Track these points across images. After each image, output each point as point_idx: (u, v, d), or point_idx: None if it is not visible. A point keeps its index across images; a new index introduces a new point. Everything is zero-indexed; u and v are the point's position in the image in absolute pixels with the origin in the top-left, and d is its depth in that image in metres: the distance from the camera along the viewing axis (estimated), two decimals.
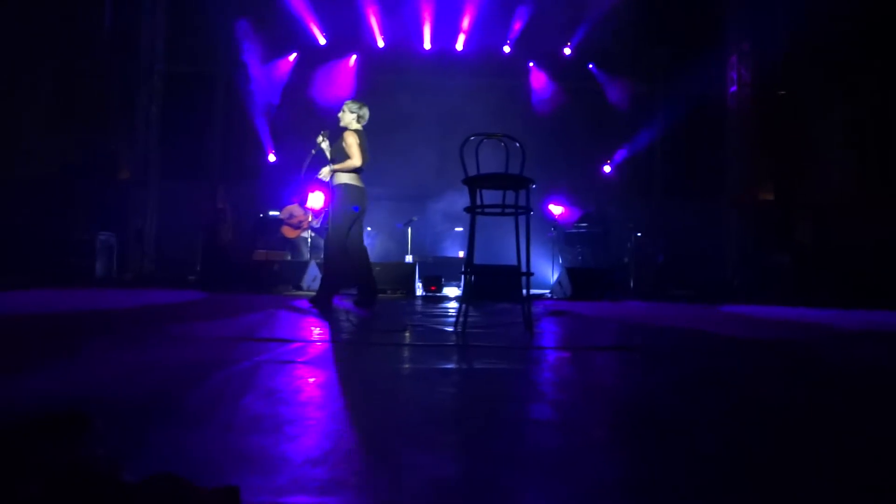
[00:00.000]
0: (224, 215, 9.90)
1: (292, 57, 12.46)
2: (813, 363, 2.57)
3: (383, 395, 1.63)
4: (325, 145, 5.05)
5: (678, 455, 1.18)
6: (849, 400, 1.81)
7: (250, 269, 9.12)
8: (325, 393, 1.65)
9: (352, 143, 4.83)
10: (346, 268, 4.95)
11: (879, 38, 11.65)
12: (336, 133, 5.05)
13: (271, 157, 11.88)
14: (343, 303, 5.61)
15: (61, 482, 0.70)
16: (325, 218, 9.68)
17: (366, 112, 5.07)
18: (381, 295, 7.21)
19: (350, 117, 5.00)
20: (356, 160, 4.79)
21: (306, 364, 2.13)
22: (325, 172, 4.87)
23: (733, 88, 11.84)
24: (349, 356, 2.33)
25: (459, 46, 12.31)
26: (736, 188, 11.74)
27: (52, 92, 11.01)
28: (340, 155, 4.87)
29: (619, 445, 1.26)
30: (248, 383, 1.74)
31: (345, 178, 4.87)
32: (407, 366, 2.16)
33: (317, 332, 3.21)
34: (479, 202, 3.45)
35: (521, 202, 3.40)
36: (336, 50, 12.50)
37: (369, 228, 11.22)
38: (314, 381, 1.78)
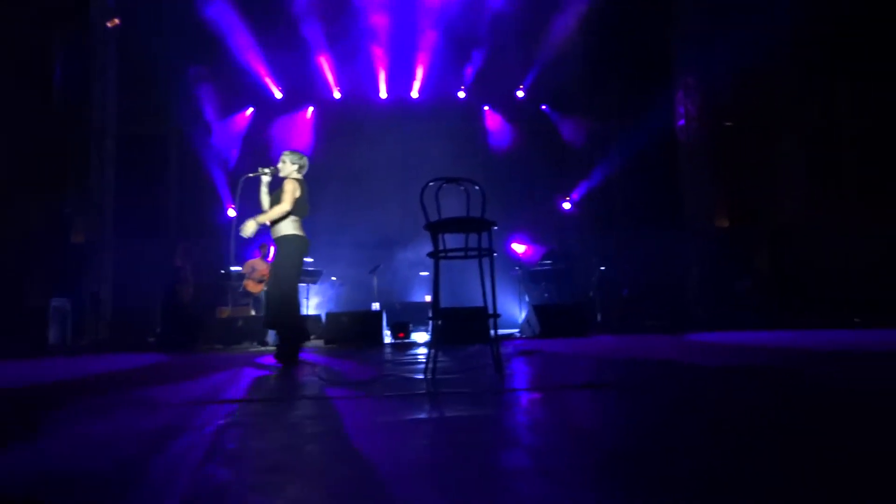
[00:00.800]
0: (184, 273, 9.67)
1: (249, 111, 12.50)
2: (781, 386, 2.59)
3: (354, 453, 1.57)
4: (265, 179, 4.92)
5: (661, 492, 1.16)
6: (821, 419, 1.81)
7: (213, 328, 8.91)
8: (292, 455, 1.58)
9: (289, 189, 4.77)
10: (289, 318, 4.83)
11: (819, 67, 12.28)
12: (275, 183, 5.00)
13: (231, 212, 11.76)
14: (309, 356, 5.49)
15: None
16: None
17: (305, 162, 5.05)
18: (350, 345, 7.10)
19: (291, 168, 4.95)
20: (286, 206, 4.71)
21: (272, 424, 2.05)
22: (249, 227, 4.67)
23: (682, 122, 12.26)
24: (316, 413, 2.26)
25: (415, 94, 12.53)
26: (693, 218, 12.04)
27: (2, 158, 10.77)
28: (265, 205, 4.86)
29: (599, 490, 1.23)
30: (212, 449, 1.66)
31: (290, 229, 4.79)
32: (378, 419, 2.10)
33: (282, 389, 3.11)
34: (442, 246, 3.45)
35: (484, 244, 3.41)
36: (292, 102, 12.60)
37: (334, 278, 11.13)
38: (280, 443, 1.71)
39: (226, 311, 10.00)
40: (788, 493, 1.14)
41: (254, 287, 9.41)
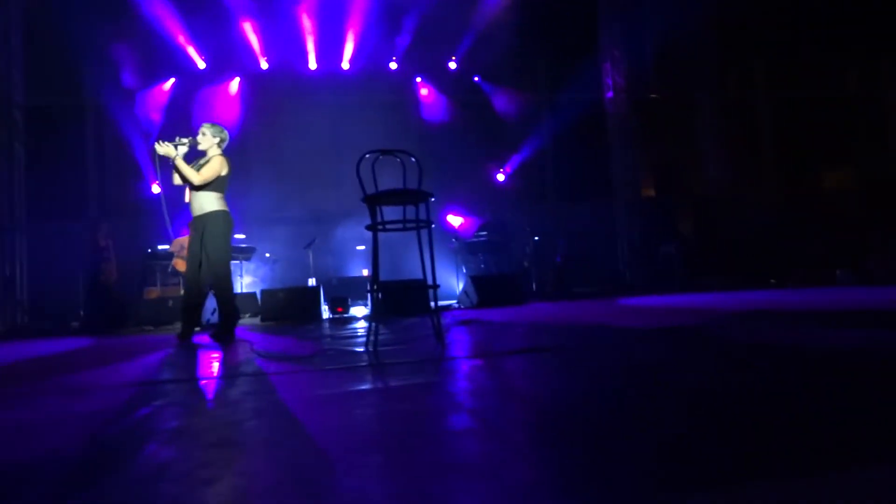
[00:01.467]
0: (107, 254, 9.25)
1: (170, 83, 11.93)
2: (706, 343, 2.75)
3: (300, 426, 1.58)
4: (182, 150, 4.67)
5: (598, 449, 1.22)
6: (737, 372, 1.95)
7: (142, 309, 8.58)
8: (237, 431, 1.57)
9: (214, 167, 4.63)
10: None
11: (740, 39, 12.78)
12: (191, 155, 4.80)
13: (155, 189, 11.27)
14: (246, 334, 5.40)
15: None
16: None
17: (226, 136, 4.88)
18: (287, 322, 7.01)
19: (212, 140, 4.78)
20: (198, 177, 4.57)
21: (212, 403, 2.02)
22: (166, 149, 4.58)
23: (610, 94, 12.54)
24: (258, 389, 2.24)
25: (346, 65, 12.28)
26: (622, 187, 12.41)
27: None
28: (190, 177, 4.65)
29: (538, 446, 1.28)
30: (152, 429, 1.63)
31: (217, 205, 4.67)
32: (321, 392, 2.10)
33: (220, 367, 3.06)
34: (380, 218, 3.44)
35: (422, 216, 3.42)
36: (217, 73, 12.10)
37: (268, 254, 10.90)
38: (223, 420, 1.70)
39: (154, 292, 9.65)
40: (676, 438, 1.23)
41: (183, 266, 9.09)
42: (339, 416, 1.67)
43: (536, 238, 10.88)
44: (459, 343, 3.42)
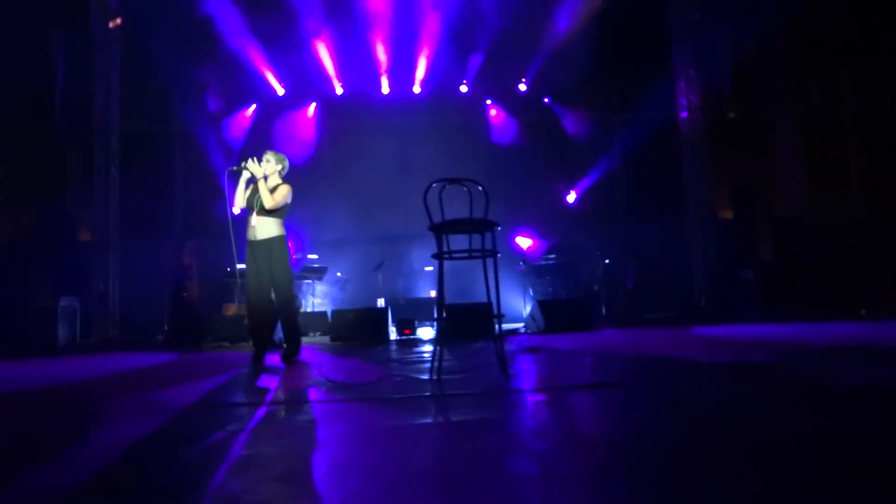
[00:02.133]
0: (190, 272, 9.74)
1: (251, 109, 12.51)
2: (790, 385, 2.61)
3: (362, 461, 1.61)
4: (246, 175, 4.82)
5: (664, 499, 1.18)
6: (832, 419, 1.84)
7: (220, 325, 8.96)
8: (301, 464, 1.61)
9: (284, 193, 4.82)
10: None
11: (820, 48, 12.22)
12: (253, 179, 4.95)
13: (236, 210, 11.79)
14: (315, 354, 5.54)
15: None
16: (295, 266, 9.63)
17: (287, 164, 5.06)
18: (356, 342, 7.14)
19: (275, 168, 4.93)
20: (269, 205, 4.75)
21: (281, 430, 2.09)
22: (251, 169, 4.77)
23: (684, 114, 12.22)
24: (323, 418, 2.29)
25: (417, 89, 12.51)
26: (697, 209, 12.02)
27: (8, 161, 10.85)
28: (263, 202, 4.80)
29: (601, 499, 1.25)
30: (223, 457, 1.70)
31: (281, 231, 4.88)
32: (384, 424, 2.13)
33: (288, 392, 3.15)
34: (446, 246, 3.47)
35: (488, 245, 3.43)
36: (295, 99, 12.59)
37: (339, 274, 11.18)
38: (289, 451, 1.75)
39: (232, 308, 10.05)
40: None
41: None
42: (400, 454, 1.68)
43: (607, 261, 10.67)
44: (524, 374, 3.39)
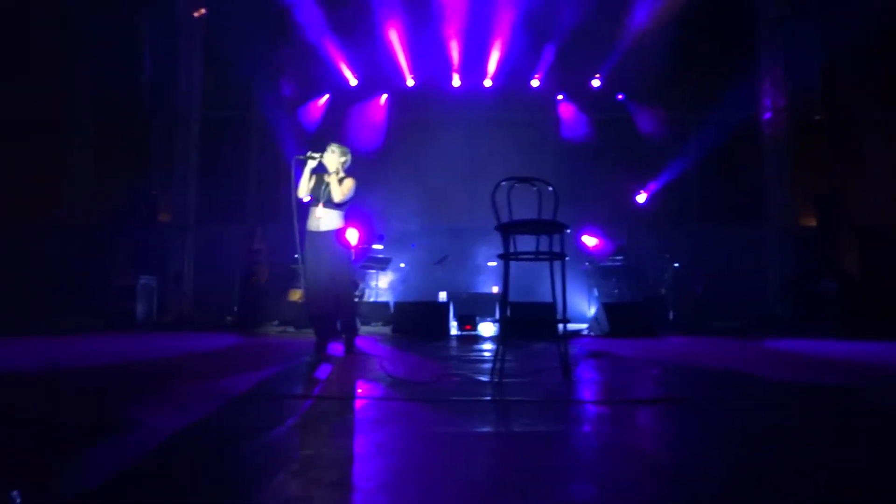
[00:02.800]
0: (260, 256, 10.02)
1: (325, 98, 12.72)
2: (869, 413, 2.42)
3: (416, 471, 1.57)
4: (311, 164, 4.84)
5: None
6: None
7: (286, 309, 9.20)
8: (355, 469, 1.59)
9: (350, 187, 4.88)
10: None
11: None
12: (323, 169, 4.98)
13: (305, 198, 12.05)
14: (376, 346, 5.58)
15: None
16: (360, 255, 9.76)
17: (350, 158, 5.06)
18: (416, 336, 7.16)
19: (340, 160, 4.95)
20: (338, 198, 4.81)
21: (338, 429, 2.08)
22: (312, 161, 4.83)
23: (767, 115, 11.64)
24: (382, 419, 2.27)
25: (488, 83, 12.41)
26: (777, 214, 11.45)
27: (95, 142, 11.44)
28: (331, 195, 4.84)
29: None
30: (280, 456, 1.71)
31: (343, 222, 4.93)
32: (441, 429, 2.09)
33: (348, 386, 3.17)
34: (513, 246, 3.40)
35: (556, 247, 3.34)
36: (367, 90, 12.72)
37: (403, 265, 11.27)
38: (344, 454, 1.73)
39: (296, 294, 10.29)
40: None
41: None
42: (456, 465, 1.64)
43: (676, 265, 10.30)
44: (588, 382, 3.29)
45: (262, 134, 12.73)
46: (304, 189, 4.89)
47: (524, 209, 3.42)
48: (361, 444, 1.85)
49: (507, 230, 3.32)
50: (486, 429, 2.08)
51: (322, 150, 4.97)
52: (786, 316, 10.47)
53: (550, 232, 3.36)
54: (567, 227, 3.28)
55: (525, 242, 3.53)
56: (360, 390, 2.95)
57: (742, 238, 11.69)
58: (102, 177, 11.40)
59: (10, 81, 10.93)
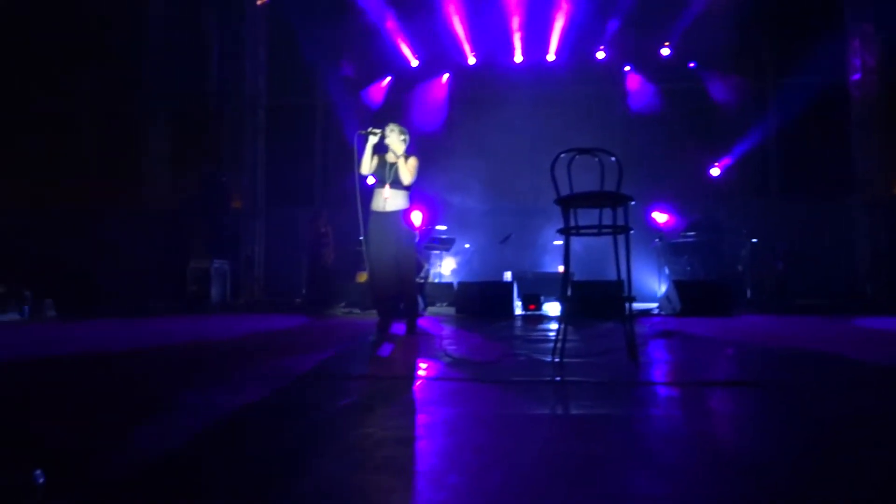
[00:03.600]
0: (326, 240, 10.18)
1: (387, 80, 12.71)
2: None
3: (468, 455, 1.49)
4: (373, 140, 4.76)
5: None
6: None
7: (352, 292, 9.30)
8: (405, 452, 1.52)
9: (415, 166, 4.84)
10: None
11: None
12: (384, 148, 4.92)
13: (370, 180, 12.13)
14: (439, 326, 5.54)
15: None
16: (424, 236, 9.74)
17: (409, 137, 4.99)
18: (480, 316, 7.08)
19: (399, 138, 4.89)
20: (408, 180, 4.79)
21: (391, 409, 2.02)
22: (374, 136, 4.76)
23: (856, 76, 10.80)
24: (437, 399, 2.20)
25: (551, 56, 12.07)
26: (866, 185, 10.66)
27: (170, 132, 11.88)
28: (400, 176, 4.80)
29: None
30: (329, 435, 1.66)
31: (409, 203, 4.89)
32: (497, 411, 2.00)
33: (406, 367, 3.12)
34: (574, 221, 3.25)
35: (620, 220, 3.16)
36: (428, 70, 12.63)
37: (467, 245, 11.19)
38: (395, 435, 1.67)
39: (363, 276, 10.40)
40: None
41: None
42: (510, 450, 1.54)
43: (754, 240, 9.76)
44: (656, 363, 3.11)
45: (326, 118, 12.88)
46: (366, 166, 4.84)
47: (587, 184, 3.25)
48: (413, 427, 1.78)
49: (567, 204, 3.16)
50: (544, 412, 1.98)
51: (382, 127, 4.93)
52: (876, 293, 9.76)
53: (614, 205, 3.19)
54: (631, 199, 3.09)
55: (589, 219, 3.36)
56: (419, 370, 2.90)
57: (828, 211, 10.97)
58: (178, 165, 11.84)
59: (91, 76, 11.48)
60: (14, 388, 2.54)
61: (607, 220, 3.22)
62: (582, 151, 3.32)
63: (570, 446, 1.56)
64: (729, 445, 1.61)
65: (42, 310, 7.86)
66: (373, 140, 4.80)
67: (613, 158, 3.28)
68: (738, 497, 1.20)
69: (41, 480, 1.00)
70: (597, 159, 3.33)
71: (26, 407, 2.14)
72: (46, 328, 5.89)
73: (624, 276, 3.22)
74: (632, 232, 3.20)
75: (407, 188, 4.87)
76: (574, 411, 1.98)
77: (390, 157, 4.88)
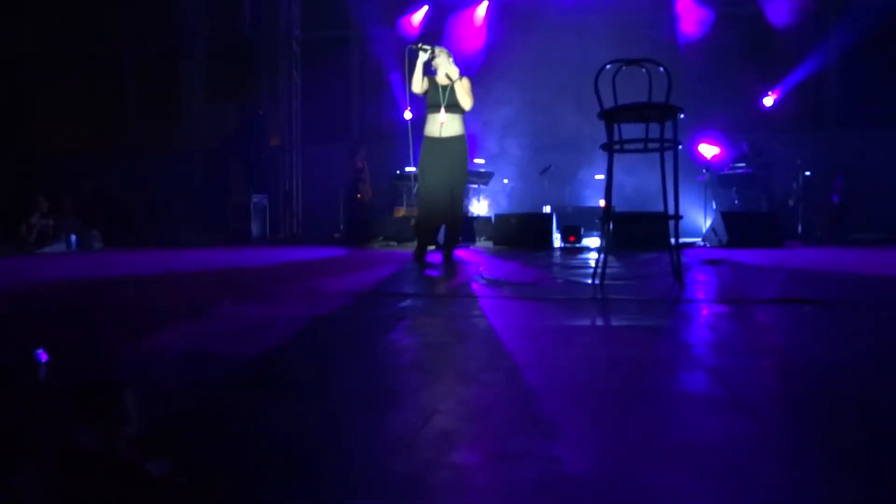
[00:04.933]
0: (363, 175, 10.12)
1: (423, 10, 12.28)
2: None
3: (503, 358, 1.41)
4: (423, 57, 4.56)
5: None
6: None
7: (389, 225, 9.27)
8: (436, 356, 1.45)
9: (468, 87, 4.61)
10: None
11: None
12: (433, 71, 4.69)
13: (407, 115, 11.89)
14: (475, 255, 5.46)
15: (55, 471, 0.55)
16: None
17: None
18: (518, 248, 6.98)
19: (447, 61, 4.65)
20: (468, 104, 4.59)
21: (424, 320, 1.96)
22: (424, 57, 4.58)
23: None
24: (470, 313, 2.13)
25: None
26: None
27: (207, 70, 11.81)
28: (457, 100, 4.59)
29: (805, 437, 0.93)
30: (360, 343, 1.60)
31: (464, 129, 4.69)
32: (533, 323, 1.91)
33: (441, 286, 3.05)
34: (617, 136, 3.06)
35: (668, 135, 2.97)
36: None
37: (506, 181, 10.98)
38: (427, 341, 1.60)
39: (401, 211, 10.34)
40: None
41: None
42: (546, 356, 1.46)
43: (808, 173, 9.29)
44: (702, 284, 2.98)
45: (362, 53, 12.58)
46: (417, 84, 4.66)
47: (633, 99, 3.04)
48: (443, 335, 1.71)
49: (612, 117, 2.98)
50: (583, 323, 1.88)
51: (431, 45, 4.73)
52: None
53: (662, 118, 2.98)
54: (681, 110, 2.88)
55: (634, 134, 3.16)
56: (454, 290, 2.83)
57: (889, 141, 10.34)
58: (215, 102, 11.81)
59: (128, 16, 11.42)
60: (71, 305, 2.57)
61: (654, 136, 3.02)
62: (629, 63, 3.10)
63: (612, 351, 1.47)
64: (780, 353, 1.49)
65: (90, 241, 8.08)
66: (423, 57, 4.60)
67: (662, 69, 3.06)
68: (798, 400, 1.09)
69: (43, 360, 0.96)
70: (644, 70, 3.11)
71: (96, 318, 2.15)
72: (94, 256, 6.03)
73: (671, 195, 3.05)
74: (679, 149, 3.00)
75: (463, 112, 4.69)
76: (615, 323, 1.88)
77: (442, 80, 4.68)
